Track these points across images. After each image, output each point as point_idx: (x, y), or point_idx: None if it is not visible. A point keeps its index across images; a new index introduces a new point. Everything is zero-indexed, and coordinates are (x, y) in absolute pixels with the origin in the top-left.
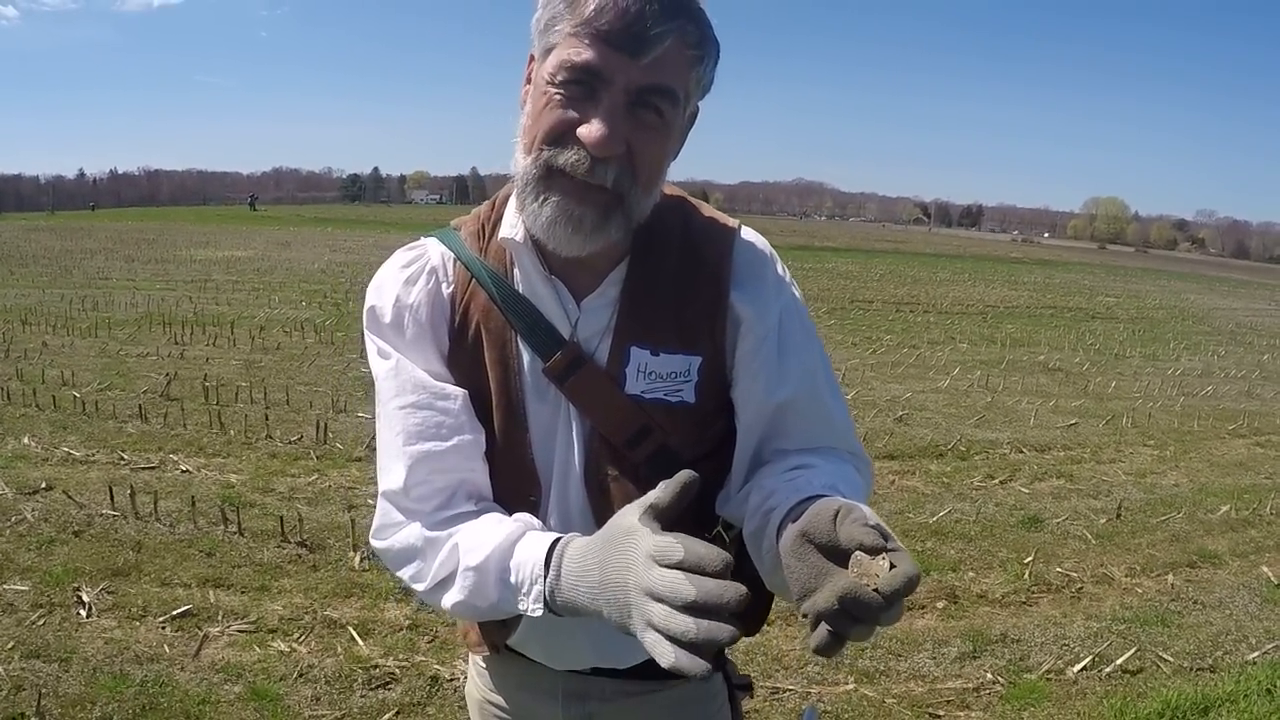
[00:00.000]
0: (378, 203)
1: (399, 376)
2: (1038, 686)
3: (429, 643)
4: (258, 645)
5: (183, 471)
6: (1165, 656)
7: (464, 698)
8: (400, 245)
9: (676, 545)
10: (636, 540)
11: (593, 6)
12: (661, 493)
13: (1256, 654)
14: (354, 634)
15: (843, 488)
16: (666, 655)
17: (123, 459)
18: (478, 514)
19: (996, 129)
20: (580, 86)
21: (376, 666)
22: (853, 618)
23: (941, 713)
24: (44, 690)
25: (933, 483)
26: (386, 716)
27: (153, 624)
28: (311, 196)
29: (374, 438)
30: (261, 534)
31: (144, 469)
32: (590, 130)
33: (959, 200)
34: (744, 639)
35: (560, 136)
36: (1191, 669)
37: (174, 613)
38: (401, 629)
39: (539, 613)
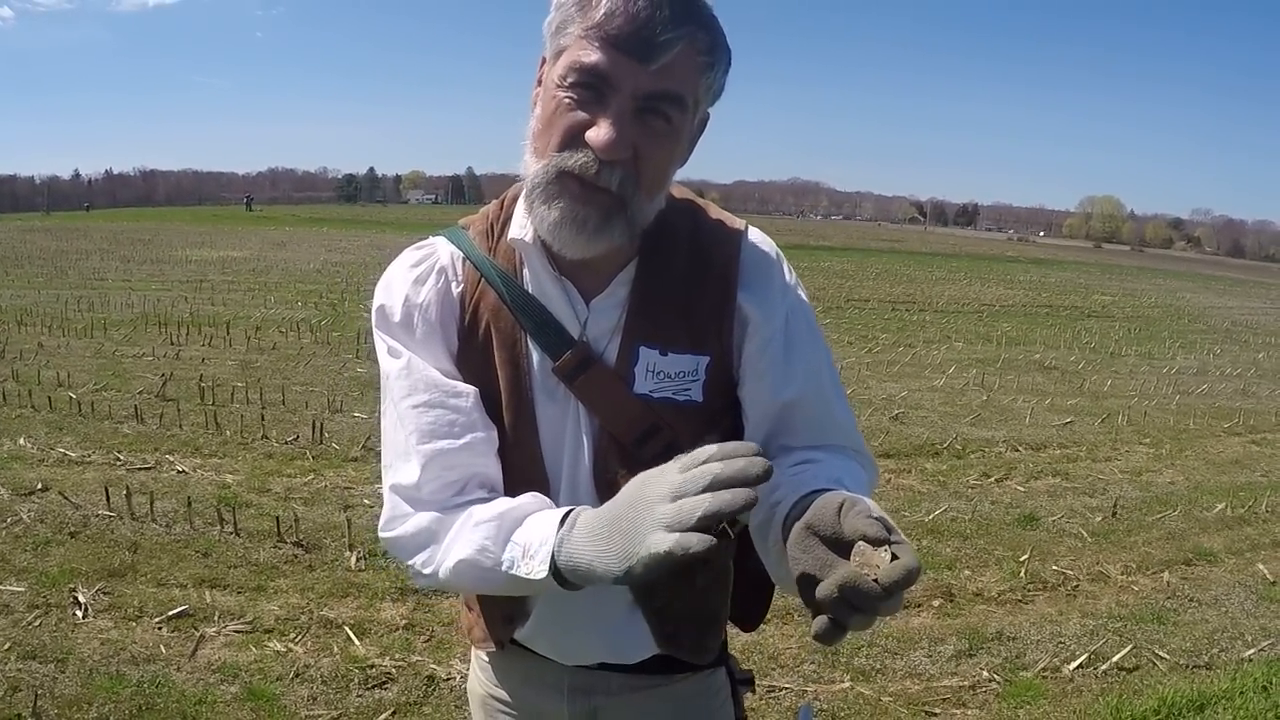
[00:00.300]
0: (373, 203)
1: (411, 375)
2: (1034, 684)
3: (425, 642)
4: (254, 645)
5: (179, 472)
6: (1161, 654)
7: (460, 697)
8: (396, 245)
9: (710, 447)
10: (665, 467)
11: (603, 10)
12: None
13: (1252, 651)
14: (350, 634)
15: (848, 482)
16: (671, 543)
17: (119, 459)
18: (491, 500)
19: (992, 128)
20: (589, 90)
21: (373, 666)
22: (853, 606)
23: (938, 711)
24: (40, 691)
25: (928, 481)
26: (383, 716)
27: (149, 624)
28: (307, 196)
29: (369, 438)
30: (257, 534)
31: (140, 469)
32: (597, 134)
33: (955, 199)
34: (741, 636)
35: (570, 141)
36: (1187, 666)
37: (170, 613)
38: (398, 629)
39: (543, 573)
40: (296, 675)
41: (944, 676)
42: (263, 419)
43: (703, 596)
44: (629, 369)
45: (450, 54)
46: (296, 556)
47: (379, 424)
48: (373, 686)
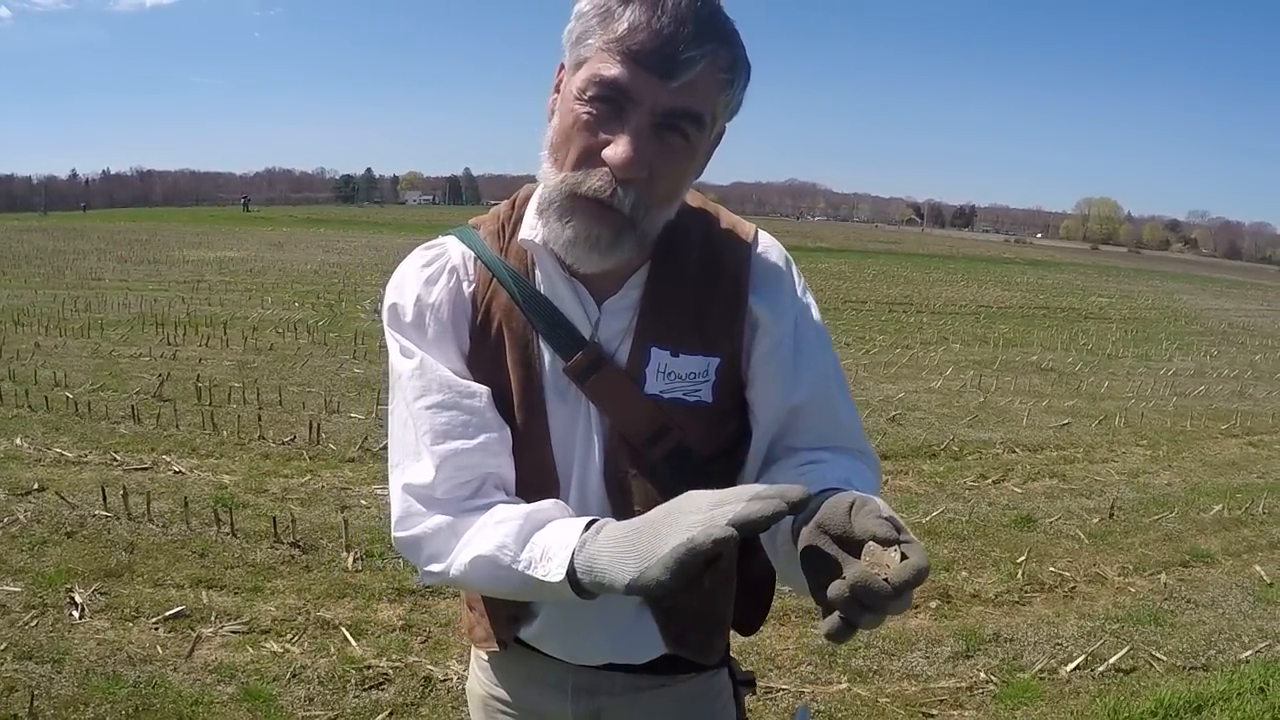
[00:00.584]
0: (371, 203)
1: (424, 375)
2: (1031, 686)
3: (422, 643)
4: (251, 646)
5: (175, 472)
6: (1158, 655)
7: (457, 698)
8: (393, 246)
9: (755, 486)
10: (702, 492)
11: (626, 24)
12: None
13: (1249, 653)
14: (347, 635)
15: (855, 482)
16: (696, 530)
17: (115, 460)
18: (507, 503)
19: (990, 130)
20: (608, 104)
21: (370, 667)
22: (863, 606)
23: (935, 712)
24: (37, 692)
25: (926, 482)
26: (380, 717)
27: (145, 625)
28: (305, 197)
29: (366, 438)
30: (254, 535)
31: (137, 470)
32: (615, 152)
33: (952, 201)
34: (739, 638)
35: (586, 159)
36: (1184, 668)
37: (167, 614)
38: (395, 630)
39: (559, 576)
40: (293, 676)
41: (941, 678)
42: (259, 419)
43: (710, 598)
44: (640, 370)
45: (448, 55)
46: (293, 557)
47: (389, 422)
48: (369, 687)
